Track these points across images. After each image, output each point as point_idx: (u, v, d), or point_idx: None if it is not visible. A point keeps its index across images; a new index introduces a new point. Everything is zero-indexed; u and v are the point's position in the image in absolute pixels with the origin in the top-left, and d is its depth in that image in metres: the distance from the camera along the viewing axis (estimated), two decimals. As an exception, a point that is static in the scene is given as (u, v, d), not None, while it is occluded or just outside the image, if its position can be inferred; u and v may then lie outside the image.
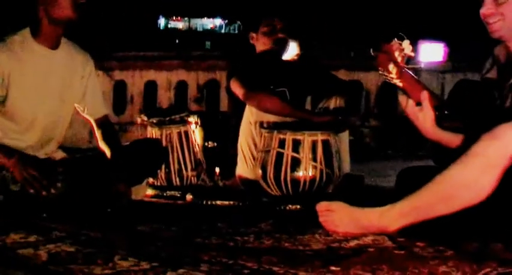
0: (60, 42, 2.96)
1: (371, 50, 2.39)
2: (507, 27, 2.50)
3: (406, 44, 2.29)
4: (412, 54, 2.30)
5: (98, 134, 3.13)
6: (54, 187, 2.66)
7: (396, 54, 2.28)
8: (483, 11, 2.51)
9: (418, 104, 2.39)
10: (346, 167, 3.59)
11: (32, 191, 2.65)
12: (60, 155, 3.09)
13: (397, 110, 7.44)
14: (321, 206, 2.43)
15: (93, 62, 3.15)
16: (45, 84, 2.93)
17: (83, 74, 3.08)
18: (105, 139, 3.09)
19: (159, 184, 3.56)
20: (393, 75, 2.31)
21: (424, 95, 2.35)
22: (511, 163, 2.22)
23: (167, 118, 3.64)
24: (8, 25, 2.95)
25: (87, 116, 3.15)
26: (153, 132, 3.61)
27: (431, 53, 7.97)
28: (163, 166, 3.51)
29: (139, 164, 3.08)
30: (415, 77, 2.36)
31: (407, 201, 2.34)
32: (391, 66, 2.29)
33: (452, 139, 2.47)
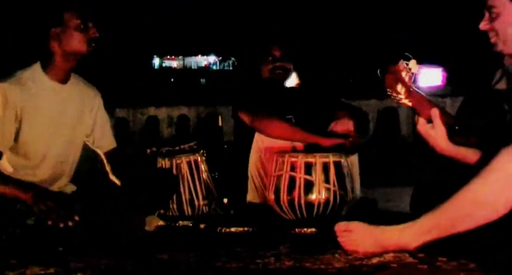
0: (70, 77, 2.97)
1: (378, 72, 2.41)
2: (502, 41, 2.53)
3: (413, 64, 2.33)
4: (420, 73, 2.33)
5: (108, 167, 3.13)
6: (71, 219, 2.65)
7: (403, 74, 2.31)
8: (480, 26, 2.56)
9: (430, 121, 2.41)
10: (358, 189, 3.58)
11: (49, 223, 2.64)
12: (71, 188, 3.08)
13: (398, 137, 7.47)
14: (340, 227, 2.42)
15: (100, 96, 3.16)
16: (57, 119, 2.94)
17: (92, 107, 3.09)
18: (116, 172, 3.10)
19: (170, 214, 3.54)
20: (402, 96, 2.33)
21: (435, 112, 2.37)
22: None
23: (177, 148, 3.65)
24: (18, 60, 2.98)
25: (97, 150, 3.16)
26: (163, 162, 3.60)
27: (430, 78, 8.04)
28: (174, 196, 3.50)
29: (151, 195, 3.08)
30: (423, 95, 2.37)
31: (427, 218, 2.33)
32: (399, 87, 2.32)
33: (467, 154, 2.47)
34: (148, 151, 3.71)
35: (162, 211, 3.49)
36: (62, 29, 2.85)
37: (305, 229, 2.98)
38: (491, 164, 2.24)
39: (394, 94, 2.34)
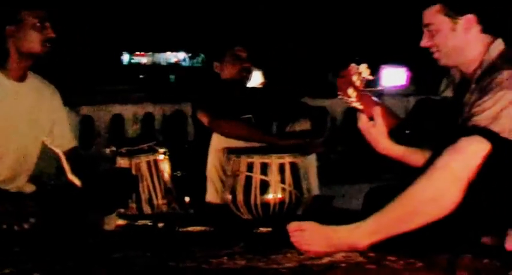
0: (27, 76, 2.97)
1: (330, 76, 2.46)
2: (444, 55, 2.60)
3: (364, 68, 2.35)
4: (371, 77, 2.36)
5: (66, 166, 3.13)
6: (27, 221, 2.66)
7: (354, 78, 2.34)
8: (421, 44, 2.63)
9: (372, 119, 2.44)
10: (315, 189, 3.63)
11: (4, 226, 2.64)
12: (30, 188, 3.08)
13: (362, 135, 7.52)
14: (292, 226, 2.45)
15: (59, 95, 3.16)
16: (14, 118, 2.93)
17: (50, 106, 3.09)
18: (75, 171, 3.10)
19: (130, 213, 3.56)
20: (353, 99, 2.35)
21: (377, 111, 2.41)
22: (475, 175, 2.28)
23: (136, 148, 3.66)
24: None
25: (56, 149, 3.16)
26: (122, 162, 3.62)
27: (394, 77, 8.13)
28: (133, 195, 3.52)
29: (110, 194, 3.09)
30: (375, 99, 2.41)
31: (376, 218, 2.38)
32: (350, 91, 2.34)
33: (413, 156, 2.52)
34: (108, 150, 3.72)
35: (122, 210, 3.50)
36: (18, 28, 2.84)
37: (261, 229, 3.02)
38: (436, 163, 2.30)
39: (346, 97, 2.37)
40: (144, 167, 3.60)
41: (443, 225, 2.33)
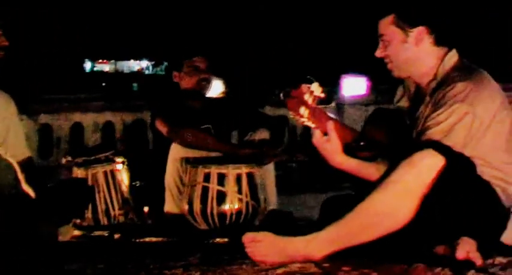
0: (-20, 85, 2.92)
1: (281, 96, 2.45)
2: (396, 67, 2.62)
3: (315, 87, 2.34)
4: (323, 95, 2.36)
5: (21, 176, 3.08)
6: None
7: (306, 97, 2.33)
8: (375, 54, 2.65)
9: (326, 134, 2.45)
10: (273, 199, 3.63)
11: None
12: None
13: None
14: (247, 237, 2.45)
15: (14, 104, 3.11)
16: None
17: (4, 115, 3.04)
18: (29, 181, 3.05)
19: (86, 224, 3.52)
20: (305, 118, 2.35)
21: (330, 126, 2.41)
22: (429, 189, 2.31)
23: (92, 158, 3.62)
24: None
25: (10, 159, 3.11)
26: (78, 172, 3.58)
27: (355, 87, 8.19)
28: (90, 206, 3.48)
29: (65, 205, 3.05)
30: (329, 116, 2.41)
31: (331, 229, 2.39)
32: (302, 110, 2.34)
33: (362, 168, 2.54)
34: (64, 160, 3.68)
35: (77, 221, 3.46)
36: None
37: (217, 240, 3.01)
38: (391, 176, 2.32)
39: (297, 117, 2.37)
40: (101, 177, 3.56)
41: (397, 236, 2.35)
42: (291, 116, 2.39)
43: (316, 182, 7.55)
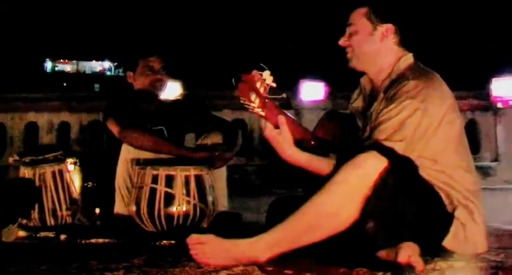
0: None
1: (233, 81, 2.41)
2: (356, 57, 2.67)
3: (267, 75, 2.32)
4: (274, 84, 2.34)
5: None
6: None
7: (258, 84, 2.30)
8: (339, 42, 2.70)
9: (278, 128, 2.43)
10: (223, 202, 3.62)
11: None
12: None
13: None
14: (192, 239, 2.44)
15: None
16: None
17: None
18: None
19: (32, 224, 3.46)
20: (255, 105, 2.32)
21: (282, 119, 2.41)
22: (372, 190, 2.32)
23: (40, 157, 3.56)
24: None
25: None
26: (25, 172, 3.52)
27: (313, 92, 8.23)
28: (36, 206, 3.42)
29: (10, 205, 3.01)
30: (278, 107, 2.39)
31: (275, 232, 2.39)
32: (253, 97, 2.31)
33: (313, 163, 2.54)
34: (11, 159, 3.61)
35: (23, 222, 3.40)
36: None
37: (164, 241, 2.99)
38: (335, 177, 2.34)
39: (247, 102, 2.33)
40: (49, 177, 3.50)
41: (340, 239, 2.37)
42: (241, 102, 2.33)
43: (273, 186, 7.56)
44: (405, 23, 2.71)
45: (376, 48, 2.66)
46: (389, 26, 2.66)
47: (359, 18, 2.68)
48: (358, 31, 2.68)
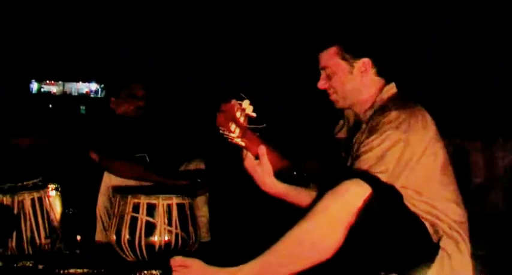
0: None
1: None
2: (341, 97, 2.64)
3: (247, 104, 2.27)
4: (254, 114, 2.29)
5: None
6: None
7: (238, 114, 2.25)
8: (318, 86, 2.65)
9: (257, 158, 2.39)
10: (206, 231, 3.57)
11: None
12: None
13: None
14: (176, 261, 2.39)
15: None
16: None
17: None
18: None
19: (9, 253, 3.38)
20: (234, 135, 2.26)
21: (262, 150, 2.36)
22: (354, 218, 2.28)
23: (19, 184, 3.50)
24: None
25: None
26: (4, 199, 3.44)
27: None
28: (14, 235, 3.34)
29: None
30: (259, 137, 2.35)
31: (258, 260, 2.35)
32: (232, 127, 2.24)
33: (293, 194, 2.51)
34: (-12, 186, 3.54)
35: (0, 250, 3.33)
36: None
37: (145, 272, 2.93)
38: (317, 206, 2.30)
39: (227, 133, 2.26)
40: (27, 205, 3.43)
41: (322, 268, 2.32)
42: (221, 132, 2.26)
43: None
44: (380, 52, 2.67)
45: (358, 83, 2.62)
46: (366, 60, 2.61)
47: (332, 59, 2.62)
48: (335, 72, 2.61)
